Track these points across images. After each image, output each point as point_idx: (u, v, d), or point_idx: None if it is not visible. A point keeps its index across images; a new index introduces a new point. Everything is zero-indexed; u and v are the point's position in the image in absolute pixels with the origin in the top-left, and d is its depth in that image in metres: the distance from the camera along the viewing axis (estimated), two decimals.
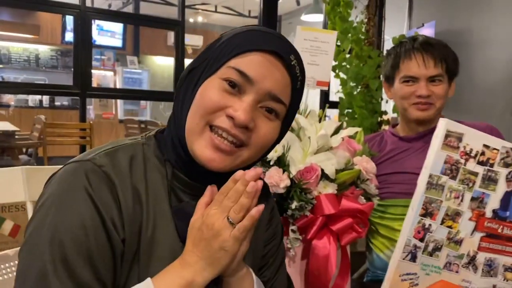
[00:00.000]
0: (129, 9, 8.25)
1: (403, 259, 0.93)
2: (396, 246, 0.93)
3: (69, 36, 7.83)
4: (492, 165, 0.96)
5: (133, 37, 8.38)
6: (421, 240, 0.95)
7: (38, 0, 3.48)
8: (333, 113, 4.13)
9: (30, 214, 1.90)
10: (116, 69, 7.83)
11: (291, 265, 0.92)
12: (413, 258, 0.94)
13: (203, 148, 0.64)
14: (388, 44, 2.69)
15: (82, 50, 3.59)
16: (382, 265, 1.31)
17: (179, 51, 4.03)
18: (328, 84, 1.12)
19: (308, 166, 0.87)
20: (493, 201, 0.98)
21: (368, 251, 1.42)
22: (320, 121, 1.01)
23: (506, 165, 0.97)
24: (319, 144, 0.93)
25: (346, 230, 0.92)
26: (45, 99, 7.11)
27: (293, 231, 0.90)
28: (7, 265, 0.93)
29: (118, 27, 7.51)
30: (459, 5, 4.16)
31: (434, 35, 4.35)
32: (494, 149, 0.96)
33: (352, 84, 2.61)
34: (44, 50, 8.25)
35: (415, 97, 1.30)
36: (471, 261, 0.98)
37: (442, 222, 0.95)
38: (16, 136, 3.66)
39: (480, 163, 0.95)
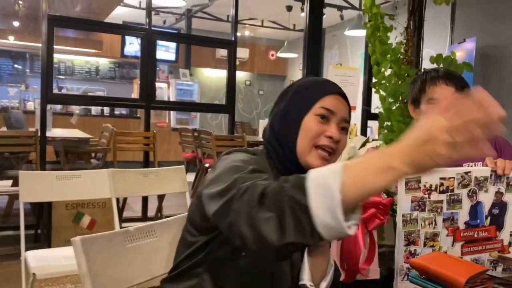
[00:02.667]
0: (182, 24, 8.79)
1: (402, 280, 1.16)
2: (395, 272, 1.18)
3: (128, 50, 8.47)
4: (452, 190, 1.20)
5: (185, 51, 8.90)
6: None
7: (110, 25, 3.96)
8: (375, 124, 4.35)
9: (114, 209, 2.29)
10: (170, 81, 8.34)
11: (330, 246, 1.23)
12: None
13: (314, 160, 0.98)
14: (425, 62, 2.81)
15: (147, 67, 4.05)
16: None
17: (231, 67, 4.42)
18: (355, 108, 1.46)
19: None
20: (462, 216, 1.22)
21: None
22: (351, 134, 1.34)
23: (465, 186, 1.21)
24: (350, 154, 1.26)
25: (370, 218, 1.21)
26: (106, 108, 7.73)
27: None
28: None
29: (172, 42, 8.03)
30: (500, 20, 4.24)
31: (475, 50, 4.48)
32: (450, 178, 1.19)
33: (390, 100, 2.82)
34: (104, 62, 8.94)
35: None
36: None
37: (425, 245, 1.18)
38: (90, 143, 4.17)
39: (442, 192, 1.19)
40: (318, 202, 0.67)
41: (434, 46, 5.02)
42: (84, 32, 7.93)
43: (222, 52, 8.20)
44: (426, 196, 1.20)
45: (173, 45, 8.08)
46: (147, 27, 4.07)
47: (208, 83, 9.48)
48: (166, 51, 8.11)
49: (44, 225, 3.39)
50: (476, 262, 1.19)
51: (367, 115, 3.84)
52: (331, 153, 0.99)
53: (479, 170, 1.25)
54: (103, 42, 8.30)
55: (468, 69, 3.28)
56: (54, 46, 3.61)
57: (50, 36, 3.54)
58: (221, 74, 8.62)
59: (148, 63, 4.06)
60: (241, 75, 10.23)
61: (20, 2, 6.35)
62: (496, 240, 1.21)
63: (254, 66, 10.16)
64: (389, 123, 2.92)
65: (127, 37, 8.04)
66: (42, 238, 3.45)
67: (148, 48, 4.03)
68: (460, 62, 2.77)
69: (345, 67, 1.86)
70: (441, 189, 1.22)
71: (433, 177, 1.23)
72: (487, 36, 4.52)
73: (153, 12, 8.11)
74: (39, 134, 3.48)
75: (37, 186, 2.20)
